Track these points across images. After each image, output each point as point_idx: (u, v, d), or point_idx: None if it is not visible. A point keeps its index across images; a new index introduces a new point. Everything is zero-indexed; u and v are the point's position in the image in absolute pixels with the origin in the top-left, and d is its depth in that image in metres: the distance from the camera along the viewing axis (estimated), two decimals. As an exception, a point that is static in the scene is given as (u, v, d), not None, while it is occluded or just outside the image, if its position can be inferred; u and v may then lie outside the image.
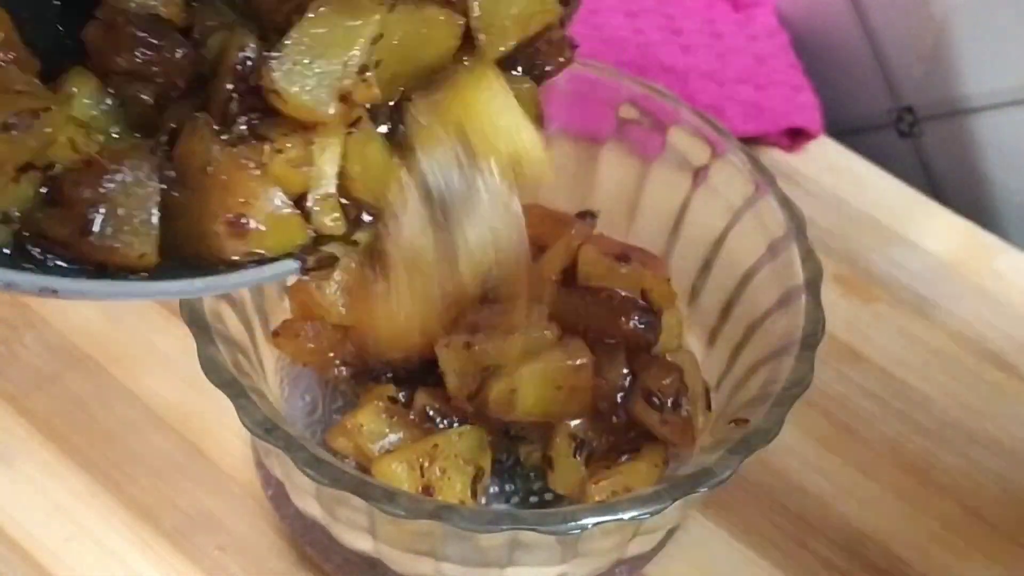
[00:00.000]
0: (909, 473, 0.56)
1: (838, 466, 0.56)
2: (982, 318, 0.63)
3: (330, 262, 0.35)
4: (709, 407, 0.50)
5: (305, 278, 0.36)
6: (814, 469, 0.56)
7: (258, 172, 0.33)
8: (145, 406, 0.54)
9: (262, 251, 0.34)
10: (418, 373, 0.48)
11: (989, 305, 0.64)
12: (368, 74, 0.33)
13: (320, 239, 0.35)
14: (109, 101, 0.34)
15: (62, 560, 0.49)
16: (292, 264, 0.34)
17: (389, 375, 0.49)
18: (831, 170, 0.69)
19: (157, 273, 0.33)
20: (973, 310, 0.63)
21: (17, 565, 0.49)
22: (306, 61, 0.33)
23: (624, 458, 0.46)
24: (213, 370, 0.41)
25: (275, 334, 0.48)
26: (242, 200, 0.33)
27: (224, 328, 0.43)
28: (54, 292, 0.31)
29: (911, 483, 0.56)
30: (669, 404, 0.46)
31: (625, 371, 0.47)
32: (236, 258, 0.33)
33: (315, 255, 0.35)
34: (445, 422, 0.47)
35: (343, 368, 0.48)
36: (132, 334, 0.56)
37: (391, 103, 0.36)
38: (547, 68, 0.39)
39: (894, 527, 0.54)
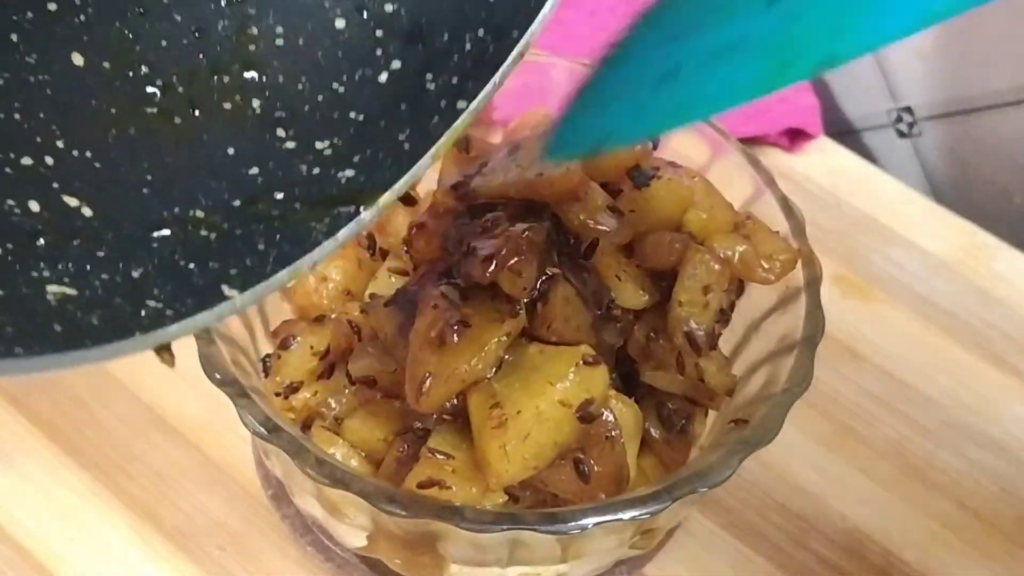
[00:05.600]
0: (909, 473, 0.56)
1: (838, 466, 0.56)
2: (981, 318, 0.63)
3: None
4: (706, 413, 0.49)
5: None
6: (814, 469, 0.56)
7: None
8: (146, 406, 0.54)
9: None
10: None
11: (988, 305, 0.64)
12: None
13: None
14: None
15: (63, 559, 0.49)
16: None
17: None
18: (831, 170, 0.69)
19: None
20: (972, 310, 0.63)
21: (19, 565, 0.49)
22: None
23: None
24: (214, 369, 0.41)
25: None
26: None
27: (224, 328, 0.43)
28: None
29: (911, 483, 0.56)
30: (678, 426, 0.46)
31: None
32: None
33: None
34: None
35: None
36: (133, 334, 0.56)
37: None
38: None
39: (894, 527, 0.54)
